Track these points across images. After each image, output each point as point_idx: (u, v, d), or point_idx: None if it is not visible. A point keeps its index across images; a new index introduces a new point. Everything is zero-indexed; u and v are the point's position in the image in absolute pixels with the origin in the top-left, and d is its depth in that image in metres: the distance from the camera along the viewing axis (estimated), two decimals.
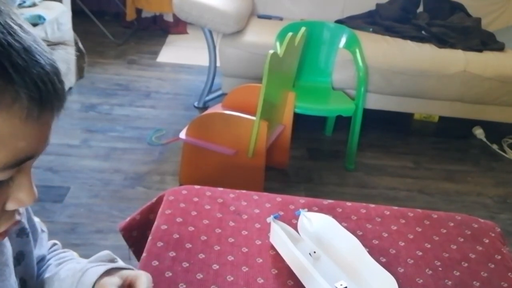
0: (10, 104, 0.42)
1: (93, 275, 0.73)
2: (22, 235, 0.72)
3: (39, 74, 0.44)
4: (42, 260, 0.82)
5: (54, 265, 0.82)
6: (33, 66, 0.44)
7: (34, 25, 2.43)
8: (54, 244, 0.88)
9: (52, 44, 0.52)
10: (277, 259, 0.99)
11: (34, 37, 0.46)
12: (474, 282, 0.99)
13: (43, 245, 0.82)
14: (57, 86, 0.47)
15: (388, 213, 1.17)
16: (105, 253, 0.81)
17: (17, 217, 0.53)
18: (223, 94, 2.79)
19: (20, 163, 0.47)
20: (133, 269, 0.77)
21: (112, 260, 0.79)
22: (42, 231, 0.82)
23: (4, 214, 0.51)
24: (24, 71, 0.43)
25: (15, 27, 0.44)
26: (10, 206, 0.51)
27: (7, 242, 0.68)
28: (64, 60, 2.88)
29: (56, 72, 0.47)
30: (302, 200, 1.19)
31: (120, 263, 0.79)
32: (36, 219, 0.80)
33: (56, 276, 0.78)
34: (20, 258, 0.72)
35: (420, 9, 3.27)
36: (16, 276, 0.71)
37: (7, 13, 0.44)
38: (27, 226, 0.73)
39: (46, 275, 0.80)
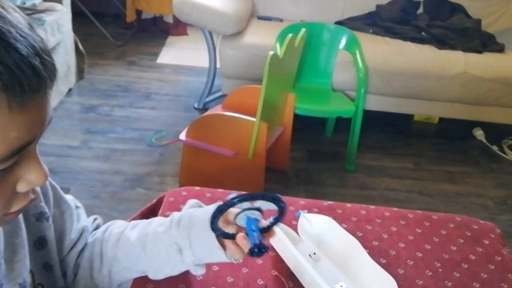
0: None
1: (206, 212, 0.73)
2: (42, 219, 0.71)
3: (15, 61, 0.42)
4: (85, 231, 0.82)
5: (128, 229, 0.81)
6: (5, 53, 0.41)
7: None
8: (95, 219, 0.88)
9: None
10: (277, 261, 0.99)
11: (10, 19, 0.43)
12: (474, 284, 0.99)
13: (81, 218, 0.82)
14: (38, 69, 0.44)
15: (388, 214, 1.17)
16: (194, 201, 0.81)
17: (31, 196, 0.53)
18: (223, 96, 2.79)
19: (18, 152, 0.46)
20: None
21: (201, 206, 0.80)
22: (77, 207, 0.82)
23: (17, 196, 0.51)
24: None
25: None
26: (21, 188, 0.50)
27: (22, 224, 0.67)
28: (64, 61, 2.88)
29: (38, 52, 0.44)
30: (302, 201, 1.19)
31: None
32: (69, 197, 0.81)
33: (143, 232, 0.78)
34: (43, 243, 0.71)
35: (420, 10, 3.27)
36: (38, 261, 0.70)
37: None
38: (46, 210, 0.72)
39: (123, 235, 0.79)
